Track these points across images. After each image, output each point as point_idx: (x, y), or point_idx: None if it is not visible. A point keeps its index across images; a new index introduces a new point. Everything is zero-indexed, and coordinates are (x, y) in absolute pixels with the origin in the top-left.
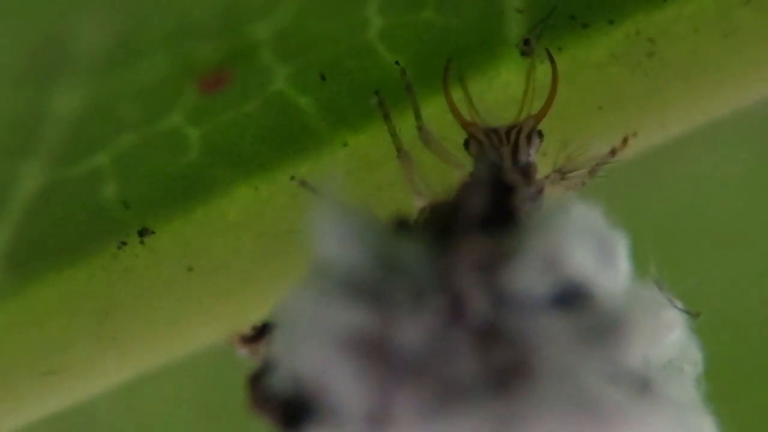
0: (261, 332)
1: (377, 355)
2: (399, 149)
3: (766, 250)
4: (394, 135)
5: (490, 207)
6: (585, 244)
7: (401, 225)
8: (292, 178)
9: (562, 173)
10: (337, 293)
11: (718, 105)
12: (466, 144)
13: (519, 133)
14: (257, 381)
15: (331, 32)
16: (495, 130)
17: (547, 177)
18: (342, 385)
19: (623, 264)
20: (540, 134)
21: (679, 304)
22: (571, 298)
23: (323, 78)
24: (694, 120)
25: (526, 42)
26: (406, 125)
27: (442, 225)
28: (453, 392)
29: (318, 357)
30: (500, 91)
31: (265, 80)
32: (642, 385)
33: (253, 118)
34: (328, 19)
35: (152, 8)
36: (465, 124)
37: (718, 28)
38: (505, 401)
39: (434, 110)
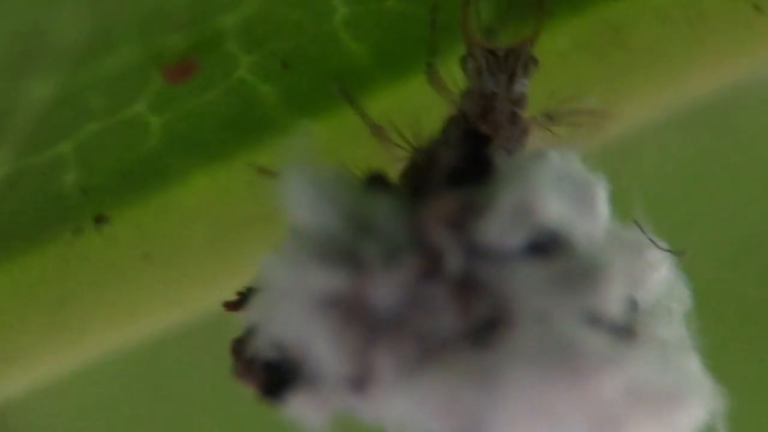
0: (245, 297)
1: (354, 315)
2: (371, 125)
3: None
4: (362, 114)
5: (461, 160)
6: (561, 191)
7: (375, 182)
8: (250, 165)
9: (549, 116)
10: (310, 256)
11: (683, 93)
12: (464, 62)
13: (517, 58)
14: (240, 347)
15: (296, 21)
16: (494, 53)
17: (534, 117)
18: (320, 348)
19: (602, 208)
20: (535, 60)
21: (663, 244)
22: (548, 245)
23: (285, 66)
24: (658, 108)
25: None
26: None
27: (416, 181)
28: (432, 348)
29: (295, 321)
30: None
31: (229, 69)
32: (624, 330)
33: (214, 106)
34: (294, 7)
35: (126, 0)
36: (469, 40)
37: (683, 16)
38: (485, 354)
39: (397, 99)
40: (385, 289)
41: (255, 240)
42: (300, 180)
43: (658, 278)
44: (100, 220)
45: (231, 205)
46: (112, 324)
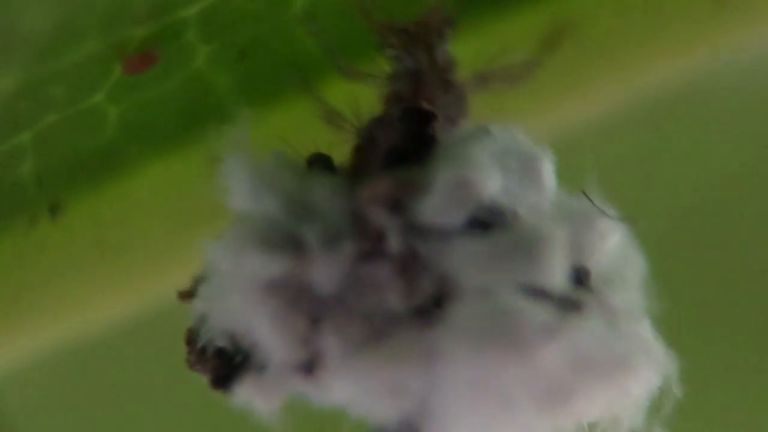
0: (196, 286)
1: (297, 299)
2: (329, 112)
3: None
4: (320, 101)
5: (400, 139)
6: (504, 165)
7: (317, 163)
8: (206, 155)
9: (482, 76)
10: (251, 242)
11: (641, 84)
12: (380, 49)
13: (428, 27)
14: (193, 336)
15: (254, 11)
16: (405, 30)
17: (467, 80)
18: (266, 334)
19: (548, 180)
20: (448, 22)
21: (613, 212)
22: (491, 220)
23: (243, 56)
24: (617, 100)
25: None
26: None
27: (358, 162)
28: (378, 329)
29: (240, 308)
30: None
31: (188, 59)
32: (568, 301)
33: (171, 96)
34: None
35: None
36: (374, 26)
37: (642, 8)
38: (430, 332)
39: (353, 88)
40: (327, 272)
41: (210, 230)
42: (239, 167)
43: (610, 246)
44: (55, 209)
45: (186, 195)
46: (67, 314)
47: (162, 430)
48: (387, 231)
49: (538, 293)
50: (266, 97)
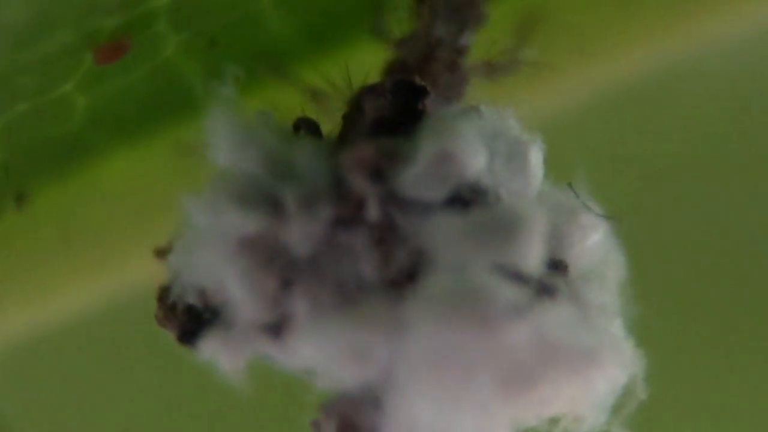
0: (173, 244)
1: (271, 259)
2: (309, 91)
3: None
4: (296, 83)
5: (389, 109)
6: (492, 147)
7: (302, 126)
8: (175, 144)
9: (490, 66)
10: (230, 198)
11: (614, 73)
12: (419, 2)
13: (472, 9)
14: (164, 293)
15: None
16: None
17: (474, 66)
18: (237, 292)
19: (535, 169)
20: (486, 17)
21: (598, 209)
22: (471, 198)
23: (212, 45)
24: (588, 89)
25: (377, 25)
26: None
27: (344, 129)
28: (348, 295)
29: (213, 264)
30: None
31: (158, 48)
32: (541, 286)
33: (140, 86)
34: None
35: None
36: None
37: None
38: (400, 303)
39: (323, 76)
40: (303, 234)
41: (175, 221)
42: (224, 122)
43: (591, 243)
44: (21, 198)
45: (153, 184)
46: (33, 303)
47: (129, 418)
48: (366, 198)
49: (512, 275)
50: (239, 87)
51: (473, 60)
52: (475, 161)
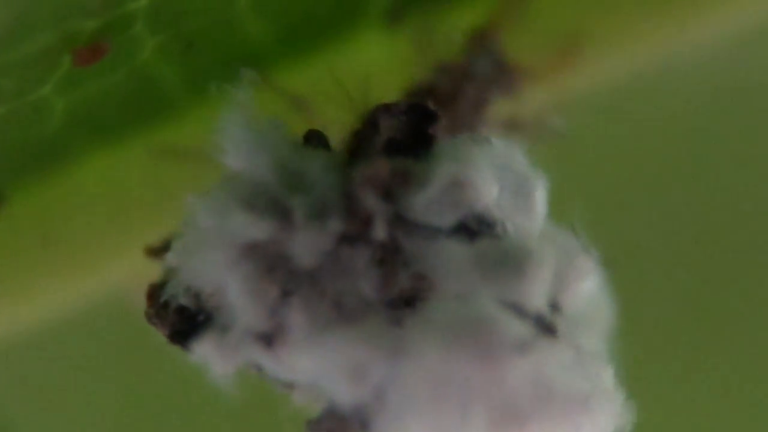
0: (168, 244)
1: (273, 268)
2: (295, 101)
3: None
4: (280, 91)
5: (402, 131)
6: (500, 179)
7: (313, 139)
8: (153, 147)
9: (513, 123)
10: (237, 202)
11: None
12: (477, 36)
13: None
14: (156, 291)
15: (203, 2)
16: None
17: (494, 117)
18: (235, 298)
19: (539, 206)
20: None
21: (595, 253)
22: (478, 228)
23: (189, 48)
24: (570, 90)
25: (393, 14)
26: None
27: (354, 145)
28: (347, 312)
29: (213, 267)
30: (366, 59)
31: (135, 51)
32: (543, 325)
33: (117, 88)
34: None
35: None
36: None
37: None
38: (398, 324)
39: (302, 81)
40: (308, 246)
41: (154, 223)
42: (238, 125)
43: (584, 287)
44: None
45: (132, 188)
46: (11, 305)
47: (107, 418)
48: (375, 217)
49: (517, 309)
50: (214, 92)
51: (499, 109)
52: (488, 191)
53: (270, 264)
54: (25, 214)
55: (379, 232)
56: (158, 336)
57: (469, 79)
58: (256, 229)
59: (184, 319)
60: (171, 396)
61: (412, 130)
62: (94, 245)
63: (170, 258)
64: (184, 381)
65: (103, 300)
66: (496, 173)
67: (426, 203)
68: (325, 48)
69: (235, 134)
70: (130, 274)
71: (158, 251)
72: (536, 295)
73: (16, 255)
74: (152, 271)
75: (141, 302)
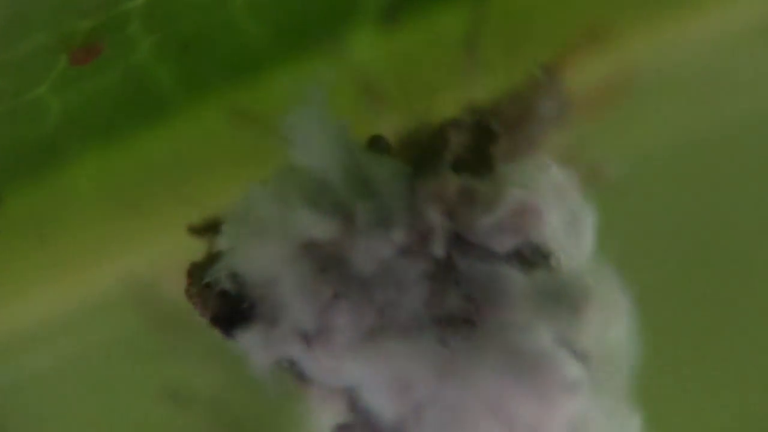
0: (213, 225)
1: (327, 269)
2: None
3: None
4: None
5: (468, 148)
6: (558, 208)
7: (378, 144)
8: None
9: (568, 156)
10: (303, 198)
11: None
12: (552, 72)
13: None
14: (198, 270)
15: (197, 2)
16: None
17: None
18: (288, 293)
19: (588, 239)
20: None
21: (628, 300)
22: (533, 259)
23: (185, 49)
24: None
25: (389, 13)
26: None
27: (419, 157)
28: (394, 323)
29: (270, 258)
30: (362, 59)
31: (130, 51)
32: (591, 364)
33: (113, 88)
34: None
35: None
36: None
37: None
38: (445, 344)
39: (296, 80)
40: (367, 252)
41: (149, 223)
42: (312, 122)
43: (615, 330)
44: None
45: (126, 187)
46: (6, 305)
47: (106, 421)
48: (436, 232)
49: (569, 347)
50: (210, 90)
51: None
52: (550, 221)
53: (325, 264)
54: (22, 213)
55: (438, 248)
56: (154, 338)
57: (534, 109)
58: (319, 227)
59: (228, 305)
60: (156, 403)
61: (476, 149)
62: (90, 245)
63: (219, 241)
64: (178, 382)
65: (99, 299)
66: (555, 201)
67: (489, 226)
68: (320, 50)
69: (308, 129)
70: (125, 272)
71: (202, 231)
72: (588, 334)
73: (13, 254)
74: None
75: (172, 284)
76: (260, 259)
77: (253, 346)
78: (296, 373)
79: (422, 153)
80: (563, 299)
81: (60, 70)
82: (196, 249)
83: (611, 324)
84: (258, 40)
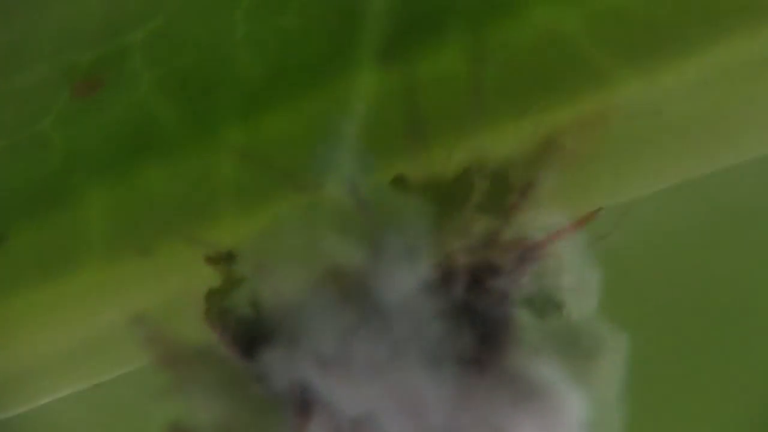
0: (227, 256)
1: (351, 299)
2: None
3: None
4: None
5: (489, 197)
6: (572, 260)
7: (400, 184)
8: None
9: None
10: (333, 227)
11: None
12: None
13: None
14: (216, 295)
15: (197, 37)
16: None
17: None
18: (306, 318)
19: (595, 291)
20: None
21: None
22: (544, 306)
23: (185, 84)
24: None
25: (386, 52)
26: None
27: (447, 198)
28: (412, 355)
29: (290, 284)
30: (361, 97)
31: (132, 86)
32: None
33: (115, 123)
34: (197, 24)
35: (38, 18)
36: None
37: None
38: (463, 378)
39: (297, 116)
40: (392, 284)
41: (154, 262)
42: (339, 153)
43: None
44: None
45: (131, 224)
46: (10, 341)
47: None
48: (458, 271)
49: (580, 389)
50: (210, 125)
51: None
52: (568, 270)
53: (348, 292)
54: (24, 249)
55: (458, 288)
56: (160, 376)
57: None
58: (346, 255)
59: (248, 328)
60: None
61: (495, 196)
62: (95, 282)
63: (239, 265)
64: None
65: (105, 336)
66: (571, 255)
67: (509, 270)
68: (321, 88)
69: (336, 161)
70: (129, 309)
71: (219, 261)
72: (604, 380)
73: (16, 290)
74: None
75: (179, 321)
76: (283, 284)
77: (267, 367)
78: (301, 403)
79: (448, 194)
80: (578, 347)
81: (63, 104)
82: (202, 285)
83: (618, 370)
84: (258, 78)
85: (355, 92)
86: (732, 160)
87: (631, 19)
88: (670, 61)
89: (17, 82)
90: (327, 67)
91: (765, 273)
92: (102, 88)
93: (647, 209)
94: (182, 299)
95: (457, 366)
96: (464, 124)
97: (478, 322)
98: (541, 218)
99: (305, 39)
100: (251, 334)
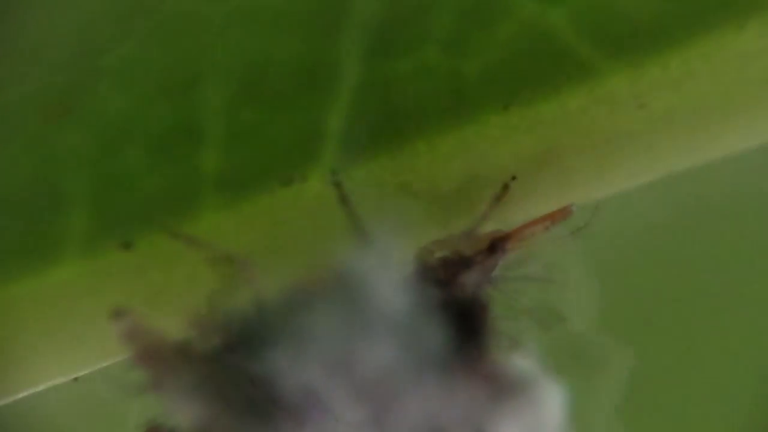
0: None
1: (332, 293)
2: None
3: None
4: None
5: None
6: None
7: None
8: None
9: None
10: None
11: None
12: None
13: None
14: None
15: (168, 63)
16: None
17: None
18: (312, 320)
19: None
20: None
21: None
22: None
23: (154, 110)
24: None
25: (370, 45)
26: None
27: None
28: (417, 365)
29: (297, 287)
30: (344, 91)
31: (100, 110)
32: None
33: (81, 149)
34: (169, 48)
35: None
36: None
37: None
38: (440, 376)
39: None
40: (372, 279)
41: (133, 256)
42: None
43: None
44: None
45: (110, 217)
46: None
47: None
48: (433, 268)
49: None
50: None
51: None
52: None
53: (328, 287)
54: (5, 244)
55: (434, 282)
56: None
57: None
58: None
59: (250, 329)
60: None
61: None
62: (74, 275)
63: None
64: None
65: (85, 330)
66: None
67: (480, 262)
68: (301, 82)
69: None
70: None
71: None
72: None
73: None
74: None
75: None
76: (287, 287)
77: (273, 371)
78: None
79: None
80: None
81: (31, 131)
82: (184, 279)
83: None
84: (241, 73)
85: (339, 86)
86: (717, 154)
87: (616, 12)
88: (654, 55)
89: None
90: (311, 62)
91: (748, 265)
92: (70, 115)
93: (631, 203)
94: (163, 293)
95: (435, 359)
96: (448, 118)
97: (454, 315)
98: (517, 212)
99: (288, 35)
100: (255, 335)
